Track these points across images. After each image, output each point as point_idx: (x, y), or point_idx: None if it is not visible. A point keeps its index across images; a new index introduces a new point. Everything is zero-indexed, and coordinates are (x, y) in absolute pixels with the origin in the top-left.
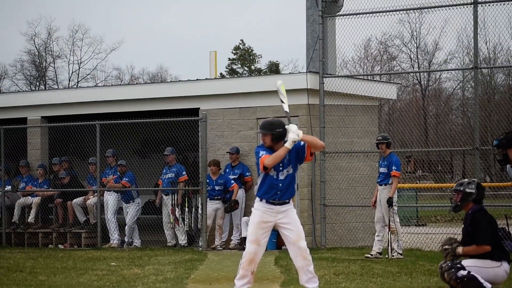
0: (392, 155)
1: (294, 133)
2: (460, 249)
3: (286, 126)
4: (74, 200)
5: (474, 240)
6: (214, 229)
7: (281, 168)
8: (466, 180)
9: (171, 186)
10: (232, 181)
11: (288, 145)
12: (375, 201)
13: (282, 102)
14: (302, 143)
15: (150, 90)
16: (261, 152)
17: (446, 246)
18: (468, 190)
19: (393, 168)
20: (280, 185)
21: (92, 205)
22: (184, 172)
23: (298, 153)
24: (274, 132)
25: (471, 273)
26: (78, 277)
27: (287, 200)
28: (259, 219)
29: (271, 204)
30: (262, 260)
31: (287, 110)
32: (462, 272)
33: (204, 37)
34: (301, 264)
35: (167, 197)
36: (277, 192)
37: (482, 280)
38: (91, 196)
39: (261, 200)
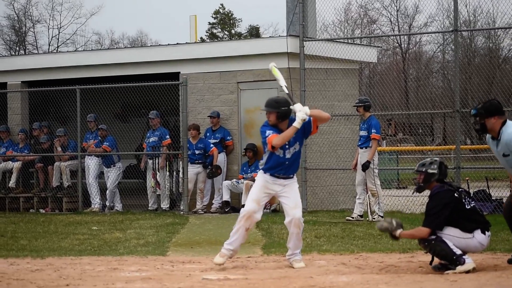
0: (371, 118)
1: (301, 111)
2: (398, 232)
3: (291, 106)
4: (55, 163)
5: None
6: (195, 193)
7: (287, 147)
8: (428, 160)
9: (153, 151)
10: (212, 145)
11: (297, 124)
12: (356, 164)
13: (280, 86)
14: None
15: (130, 54)
16: (268, 132)
17: (385, 225)
18: (430, 171)
19: (373, 131)
20: (287, 162)
21: (65, 168)
22: (167, 136)
23: (305, 129)
24: (280, 110)
25: (441, 237)
26: (60, 241)
27: (291, 176)
28: (264, 183)
29: (275, 177)
30: None
31: (287, 91)
32: (431, 236)
33: (184, 1)
34: (293, 231)
35: (151, 161)
36: (282, 169)
37: (452, 246)
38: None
39: (265, 173)
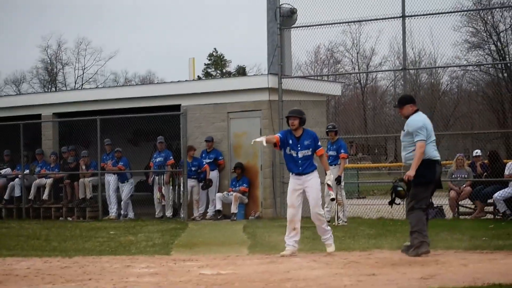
0: (340, 140)
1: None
2: None
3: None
4: (80, 179)
5: None
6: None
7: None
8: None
9: (159, 169)
10: (204, 163)
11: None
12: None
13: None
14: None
15: (141, 90)
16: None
17: None
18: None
19: (342, 151)
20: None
21: (88, 183)
22: (171, 157)
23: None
24: (302, 116)
25: None
26: (84, 243)
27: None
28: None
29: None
30: (231, 228)
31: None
32: None
33: (185, 46)
34: (316, 224)
35: (157, 177)
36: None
37: None
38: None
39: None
